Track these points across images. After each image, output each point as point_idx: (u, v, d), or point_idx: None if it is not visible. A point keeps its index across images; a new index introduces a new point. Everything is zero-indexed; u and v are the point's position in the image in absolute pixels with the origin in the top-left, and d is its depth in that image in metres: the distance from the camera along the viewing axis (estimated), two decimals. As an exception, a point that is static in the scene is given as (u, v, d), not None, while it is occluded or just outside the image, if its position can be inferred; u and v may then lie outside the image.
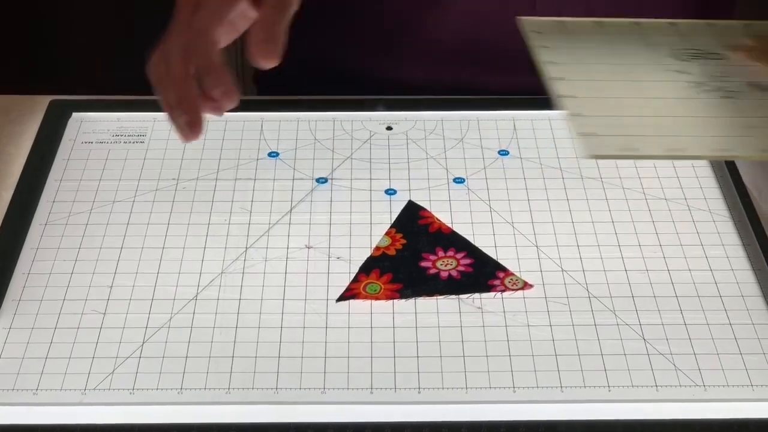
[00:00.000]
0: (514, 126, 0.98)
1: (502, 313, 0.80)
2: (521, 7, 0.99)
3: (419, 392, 0.74)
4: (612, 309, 0.81)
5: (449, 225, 0.88)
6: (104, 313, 0.80)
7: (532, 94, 0.92)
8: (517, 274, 0.83)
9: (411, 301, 0.81)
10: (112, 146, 0.96)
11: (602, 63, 0.82)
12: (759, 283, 0.83)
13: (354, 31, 1.05)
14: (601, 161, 0.93)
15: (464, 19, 1.03)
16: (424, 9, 1.03)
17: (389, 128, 0.98)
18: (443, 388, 0.74)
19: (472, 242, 0.86)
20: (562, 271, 0.84)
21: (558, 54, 0.82)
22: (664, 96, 0.79)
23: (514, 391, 0.74)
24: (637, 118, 0.76)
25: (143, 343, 0.78)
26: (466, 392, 0.74)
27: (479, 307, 0.81)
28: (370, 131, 0.97)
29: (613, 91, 0.79)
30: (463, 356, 0.77)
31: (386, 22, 1.06)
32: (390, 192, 0.91)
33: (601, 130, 0.74)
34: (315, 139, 0.96)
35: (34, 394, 0.74)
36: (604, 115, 0.76)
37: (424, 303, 0.81)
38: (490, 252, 0.85)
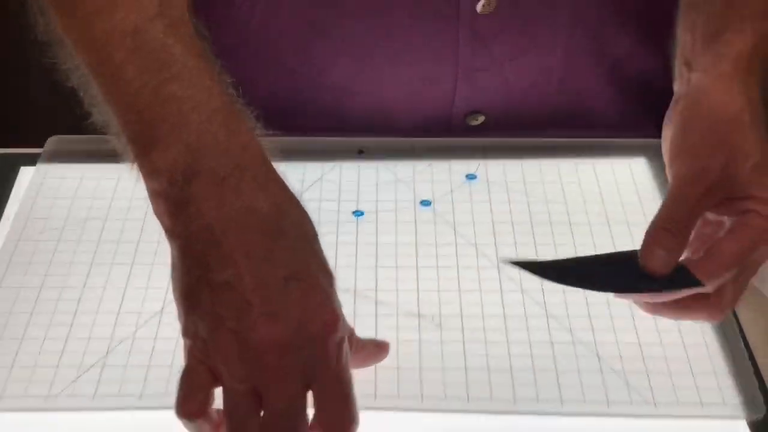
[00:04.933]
0: (483, 151, 1.00)
1: (461, 330, 0.82)
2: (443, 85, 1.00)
3: (375, 399, 0.76)
4: (569, 328, 0.82)
5: (414, 246, 0.90)
6: (71, 325, 0.82)
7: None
8: (478, 294, 0.85)
9: (372, 322, 0.83)
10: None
11: None
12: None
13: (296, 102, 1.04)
14: (568, 188, 0.96)
15: (401, 89, 1.01)
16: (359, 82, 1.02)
17: (361, 152, 1.00)
18: (399, 397, 0.77)
19: (435, 263, 0.88)
20: (522, 291, 0.86)
21: None
22: None
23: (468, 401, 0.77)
24: None
25: (107, 353, 0.80)
26: (422, 401, 0.76)
27: (438, 324, 0.82)
28: (342, 154, 0.99)
29: None
30: (420, 368, 0.79)
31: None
32: (357, 213, 0.93)
33: None
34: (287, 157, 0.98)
35: (-1, 399, 0.76)
36: None
37: (385, 320, 0.83)
38: (452, 272, 0.87)
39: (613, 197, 0.95)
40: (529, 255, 0.89)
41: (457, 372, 0.78)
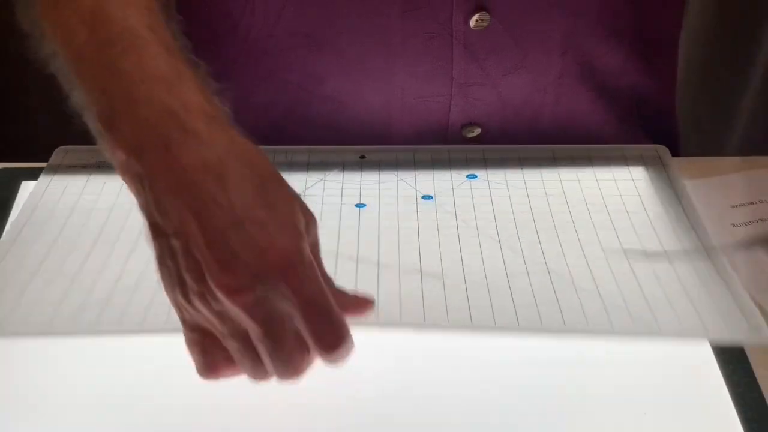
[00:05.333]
0: (484, 156, 1.02)
1: (463, 281, 0.83)
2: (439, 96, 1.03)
3: (377, 316, 0.77)
4: (573, 286, 0.83)
5: (416, 231, 0.91)
6: (72, 279, 0.83)
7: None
8: (479, 258, 0.86)
9: (373, 276, 0.84)
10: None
11: None
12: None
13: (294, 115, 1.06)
14: (565, 179, 0.97)
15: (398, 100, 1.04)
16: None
17: (363, 157, 1.02)
18: (401, 315, 0.78)
19: (438, 246, 0.89)
20: (525, 266, 0.86)
21: None
22: None
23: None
24: None
25: (108, 296, 0.80)
26: (425, 320, 0.77)
27: (440, 276, 0.83)
28: (344, 159, 1.01)
29: None
30: (422, 296, 0.80)
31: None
32: (360, 206, 0.94)
33: None
34: (290, 161, 1.00)
35: None
36: None
37: (388, 274, 0.83)
38: (454, 252, 0.88)
39: (612, 191, 0.96)
40: (532, 244, 0.89)
41: (460, 303, 0.79)
